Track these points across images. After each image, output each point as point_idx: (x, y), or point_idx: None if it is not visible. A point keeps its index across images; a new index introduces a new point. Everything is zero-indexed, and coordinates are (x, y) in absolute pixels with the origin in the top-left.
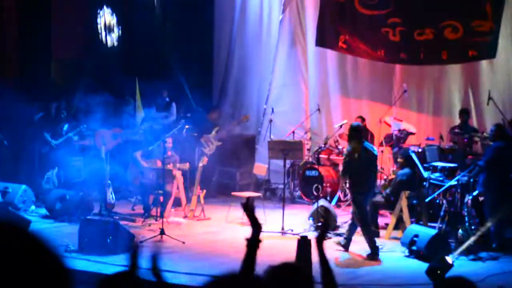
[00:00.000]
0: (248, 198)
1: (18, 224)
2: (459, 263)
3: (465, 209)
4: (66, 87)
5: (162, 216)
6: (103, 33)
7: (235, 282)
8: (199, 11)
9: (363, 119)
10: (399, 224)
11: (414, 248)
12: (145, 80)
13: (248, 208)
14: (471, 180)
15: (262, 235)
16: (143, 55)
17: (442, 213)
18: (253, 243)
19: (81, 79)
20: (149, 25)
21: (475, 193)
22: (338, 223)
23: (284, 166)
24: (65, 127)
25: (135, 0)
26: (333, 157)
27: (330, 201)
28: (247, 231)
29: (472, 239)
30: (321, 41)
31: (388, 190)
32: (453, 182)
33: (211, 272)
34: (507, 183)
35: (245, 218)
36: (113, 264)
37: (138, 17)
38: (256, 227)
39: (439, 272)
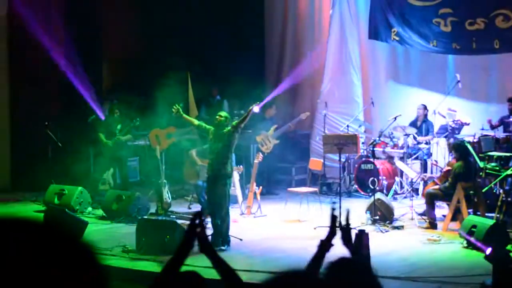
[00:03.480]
0: (333, 208)
1: (68, 230)
2: None
3: None
4: (119, 87)
5: None
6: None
7: (296, 279)
8: (249, 10)
9: (425, 107)
10: (457, 215)
11: (472, 239)
12: (196, 77)
13: (334, 215)
14: None
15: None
16: (193, 52)
17: (499, 203)
18: (326, 245)
19: (133, 78)
20: (198, 23)
21: None
22: (396, 216)
23: (339, 160)
24: (119, 126)
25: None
26: (388, 149)
27: (386, 194)
28: (303, 227)
29: None
30: (374, 34)
31: (446, 183)
32: (509, 172)
33: (269, 269)
34: None
35: (303, 215)
36: None
37: (186, 13)
38: (333, 232)
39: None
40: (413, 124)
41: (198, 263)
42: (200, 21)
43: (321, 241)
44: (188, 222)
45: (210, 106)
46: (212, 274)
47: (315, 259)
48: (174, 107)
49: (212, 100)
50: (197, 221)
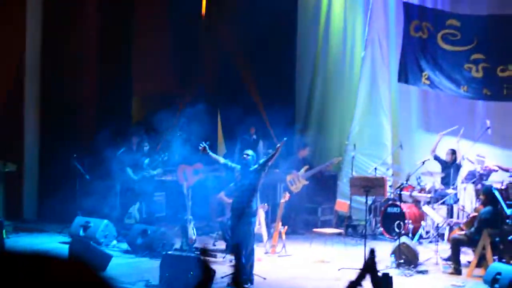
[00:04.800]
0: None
1: (90, 265)
2: None
3: None
4: (147, 122)
5: None
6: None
7: None
8: (281, 49)
9: (454, 152)
10: (482, 262)
11: (496, 286)
12: (228, 114)
13: (371, 258)
14: None
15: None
16: (226, 89)
17: None
18: (355, 286)
19: (163, 113)
20: (231, 63)
21: None
22: (420, 261)
23: (366, 202)
24: (146, 161)
25: (217, 40)
26: (415, 193)
27: (412, 238)
28: (328, 268)
29: None
30: (404, 78)
31: (472, 229)
32: None
33: None
34: None
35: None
36: None
37: (220, 55)
38: (363, 275)
39: None
40: (443, 164)
41: None
42: (232, 63)
43: (350, 282)
44: (212, 259)
45: (246, 144)
46: None
47: None
48: (201, 145)
49: (248, 139)
50: (210, 258)
